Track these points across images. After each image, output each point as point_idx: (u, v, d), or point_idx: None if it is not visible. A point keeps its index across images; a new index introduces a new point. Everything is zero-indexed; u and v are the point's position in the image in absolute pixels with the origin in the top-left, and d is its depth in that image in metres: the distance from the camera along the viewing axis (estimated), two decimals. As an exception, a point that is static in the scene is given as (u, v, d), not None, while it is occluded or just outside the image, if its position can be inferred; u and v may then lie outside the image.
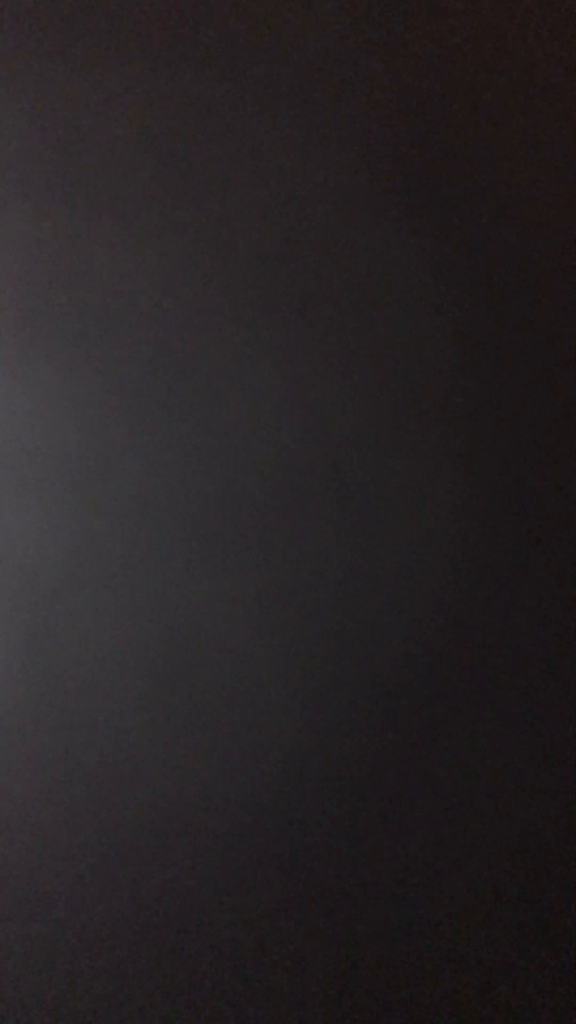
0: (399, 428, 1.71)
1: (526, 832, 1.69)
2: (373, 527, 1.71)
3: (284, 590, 1.70)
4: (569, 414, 1.72)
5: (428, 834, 1.69)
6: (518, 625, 1.70)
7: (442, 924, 1.69)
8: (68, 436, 1.72)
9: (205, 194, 1.74)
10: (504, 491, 1.71)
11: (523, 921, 1.69)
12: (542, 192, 1.73)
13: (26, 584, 1.71)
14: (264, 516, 1.71)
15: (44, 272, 1.74)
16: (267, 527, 1.71)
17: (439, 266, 1.73)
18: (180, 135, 1.74)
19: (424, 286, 1.72)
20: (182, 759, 1.70)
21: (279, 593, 1.70)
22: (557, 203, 1.73)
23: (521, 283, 1.73)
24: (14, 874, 1.69)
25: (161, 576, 1.71)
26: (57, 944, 1.69)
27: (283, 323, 1.73)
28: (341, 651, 1.70)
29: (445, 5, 1.74)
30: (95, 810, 1.69)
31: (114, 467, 1.72)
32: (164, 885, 1.69)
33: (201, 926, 1.69)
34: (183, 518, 1.71)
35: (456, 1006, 1.68)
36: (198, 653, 1.70)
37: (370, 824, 1.69)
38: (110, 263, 1.73)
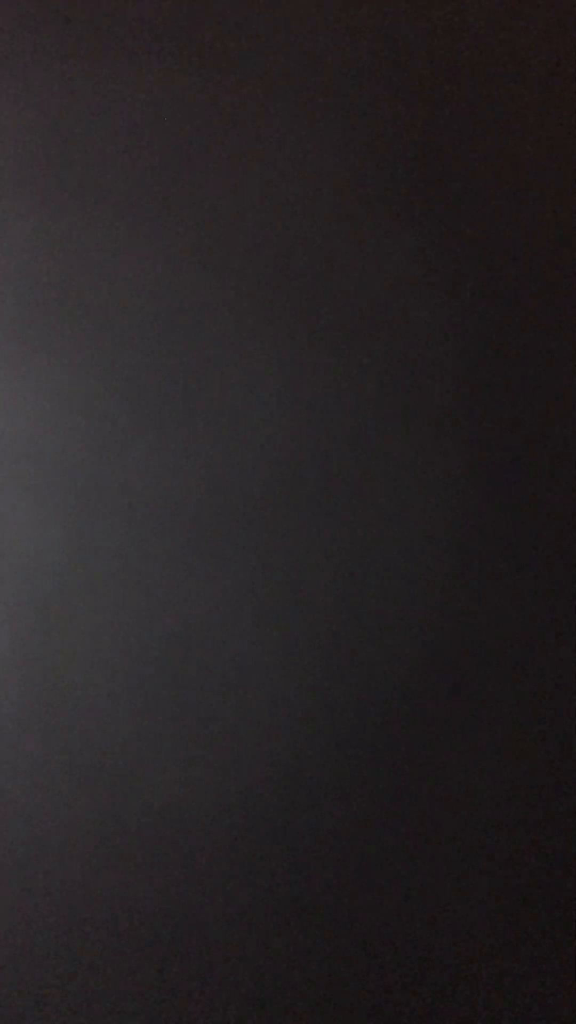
0: (399, 427, 1.72)
1: (528, 831, 1.69)
2: (373, 527, 1.71)
3: (284, 590, 1.70)
4: (570, 413, 1.72)
5: (429, 834, 1.69)
6: (519, 625, 1.70)
7: (444, 924, 1.69)
8: (68, 436, 1.72)
9: (205, 194, 1.74)
10: (504, 491, 1.71)
11: (525, 921, 1.69)
12: (543, 193, 1.74)
13: (25, 584, 1.71)
14: (264, 516, 1.71)
15: (44, 272, 1.74)
16: (267, 527, 1.71)
17: (440, 266, 1.73)
18: (180, 135, 1.75)
19: (425, 285, 1.73)
20: (181, 759, 1.70)
21: (279, 593, 1.70)
22: (558, 204, 1.74)
23: (522, 283, 1.73)
24: (12, 875, 1.69)
25: (161, 576, 1.71)
26: (56, 945, 1.69)
27: (283, 323, 1.73)
28: (341, 652, 1.70)
29: (446, 4, 1.74)
30: (94, 810, 1.69)
31: (114, 467, 1.72)
32: (163, 886, 1.69)
33: (200, 927, 1.69)
34: (183, 518, 1.72)
35: (458, 1007, 1.68)
36: (197, 653, 1.70)
37: (370, 825, 1.69)
38: (110, 263, 1.74)
